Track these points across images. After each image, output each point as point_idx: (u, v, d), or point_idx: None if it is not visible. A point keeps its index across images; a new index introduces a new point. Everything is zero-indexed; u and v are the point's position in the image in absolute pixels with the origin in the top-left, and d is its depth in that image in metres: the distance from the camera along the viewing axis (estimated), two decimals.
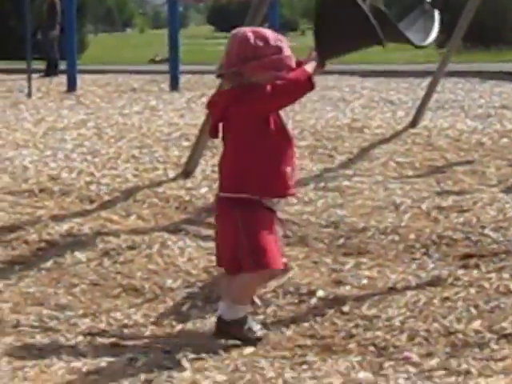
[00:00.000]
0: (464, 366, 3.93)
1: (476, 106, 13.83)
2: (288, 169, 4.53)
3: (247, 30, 4.54)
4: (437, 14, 8.14)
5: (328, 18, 4.51)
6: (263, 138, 4.49)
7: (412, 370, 3.98)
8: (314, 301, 5.11)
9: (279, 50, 4.44)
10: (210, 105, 4.69)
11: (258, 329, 4.54)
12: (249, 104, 4.43)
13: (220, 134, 4.57)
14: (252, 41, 4.42)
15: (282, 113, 4.56)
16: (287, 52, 4.44)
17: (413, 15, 8.11)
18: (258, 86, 4.43)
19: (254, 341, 4.45)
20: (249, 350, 4.35)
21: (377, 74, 19.42)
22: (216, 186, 7.74)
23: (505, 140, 10.48)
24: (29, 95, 16.19)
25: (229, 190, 4.54)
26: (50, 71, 21.06)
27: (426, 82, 12.77)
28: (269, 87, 4.39)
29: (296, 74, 4.45)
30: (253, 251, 4.41)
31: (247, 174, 4.49)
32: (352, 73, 18.53)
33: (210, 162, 8.74)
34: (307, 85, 4.44)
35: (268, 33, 4.54)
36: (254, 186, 4.47)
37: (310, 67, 4.48)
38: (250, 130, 4.49)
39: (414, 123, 11.41)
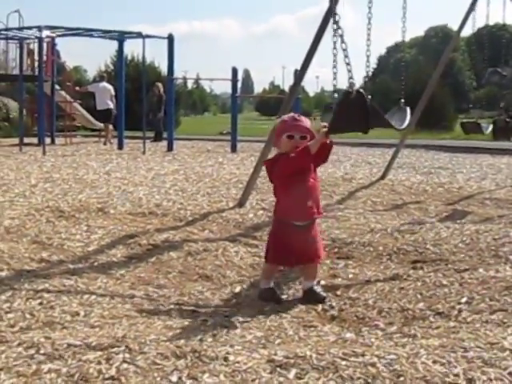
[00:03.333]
0: (412, 332, 3.89)
1: (423, 167, 13.76)
2: (309, 202, 4.55)
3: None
4: (408, 109, 8.18)
5: (342, 112, 4.63)
6: (290, 185, 4.53)
7: (380, 332, 3.95)
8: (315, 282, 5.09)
9: (290, 119, 4.52)
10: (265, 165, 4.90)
11: (278, 295, 4.67)
12: (276, 171, 4.56)
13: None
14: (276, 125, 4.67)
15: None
16: (294, 122, 4.46)
17: (393, 110, 8.17)
18: (281, 157, 4.51)
19: (276, 301, 4.57)
20: (277, 317, 4.34)
21: (361, 145, 19.41)
22: (259, 213, 7.86)
23: (440, 189, 10.41)
24: (143, 153, 16.33)
25: (273, 212, 4.76)
26: (157, 138, 21.22)
27: (391, 150, 12.73)
28: (283, 159, 4.45)
29: (298, 151, 4.36)
30: (267, 249, 4.70)
31: (280, 205, 4.63)
32: (345, 143, 18.49)
33: (255, 198, 8.75)
34: (305, 156, 4.35)
35: (286, 116, 4.66)
36: (284, 212, 4.59)
37: (313, 143, 4.36)
38: (281, 180, 4.58)
39: (383, 177, 11.37)
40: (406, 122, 7.96)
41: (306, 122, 4.56)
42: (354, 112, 4.63)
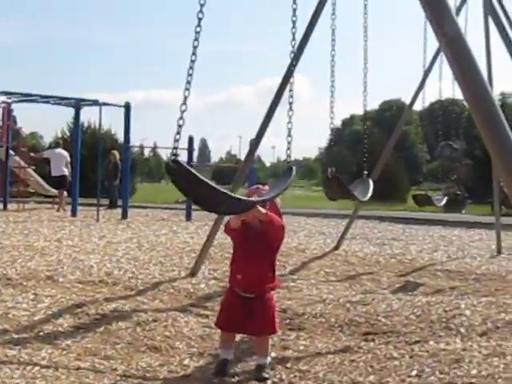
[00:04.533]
0: None
1: (376, 238, 13.86)
2: (239, 275, 4.56)
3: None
4: (371, 181, 8.37)
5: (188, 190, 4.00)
6: (234, 253, 4.74)
7: None
8: (268, 359, 5.01)
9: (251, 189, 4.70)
10: None
11: (224, 367, 4.60)
12: None
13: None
14: None
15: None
16: (252, 189, 4.63)
17: (356, 182, 8.38)
18: None
19: (222, 374, 4.53)
20: None
21: (315, 215, 19.51)
22: (211, 282, 7.79)
23: (393, 260, 10.48)
24: (97, 220, 16.15)
25: None
26: (112, 206, 21.06)
27: (345, 221, 12.81)
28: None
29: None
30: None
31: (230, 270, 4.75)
32: (300, 214, 18.57)
33: (208, 267, 8.69)
34: (226, 228, 4.59)
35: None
36: (230, 277, 4.73)
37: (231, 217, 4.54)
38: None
39: (337, 247, 11.41)
40: (369, 194, 8.14)
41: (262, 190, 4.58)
42: (193, 187, 3.85)
